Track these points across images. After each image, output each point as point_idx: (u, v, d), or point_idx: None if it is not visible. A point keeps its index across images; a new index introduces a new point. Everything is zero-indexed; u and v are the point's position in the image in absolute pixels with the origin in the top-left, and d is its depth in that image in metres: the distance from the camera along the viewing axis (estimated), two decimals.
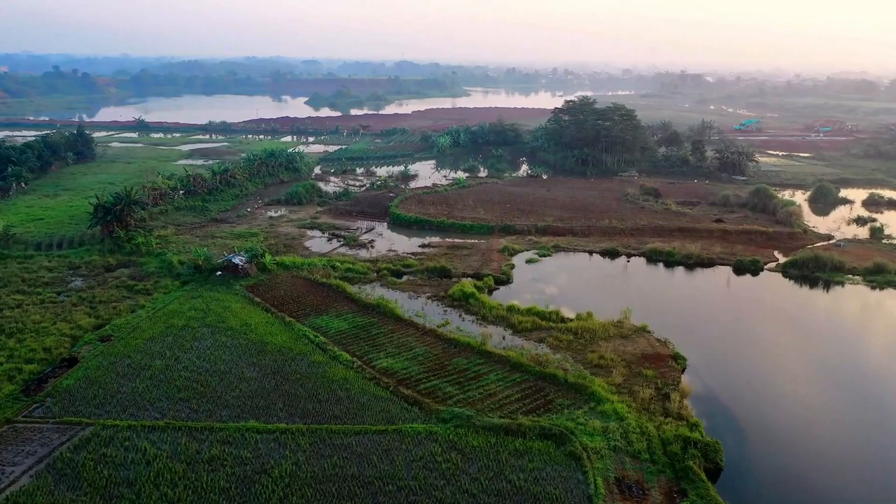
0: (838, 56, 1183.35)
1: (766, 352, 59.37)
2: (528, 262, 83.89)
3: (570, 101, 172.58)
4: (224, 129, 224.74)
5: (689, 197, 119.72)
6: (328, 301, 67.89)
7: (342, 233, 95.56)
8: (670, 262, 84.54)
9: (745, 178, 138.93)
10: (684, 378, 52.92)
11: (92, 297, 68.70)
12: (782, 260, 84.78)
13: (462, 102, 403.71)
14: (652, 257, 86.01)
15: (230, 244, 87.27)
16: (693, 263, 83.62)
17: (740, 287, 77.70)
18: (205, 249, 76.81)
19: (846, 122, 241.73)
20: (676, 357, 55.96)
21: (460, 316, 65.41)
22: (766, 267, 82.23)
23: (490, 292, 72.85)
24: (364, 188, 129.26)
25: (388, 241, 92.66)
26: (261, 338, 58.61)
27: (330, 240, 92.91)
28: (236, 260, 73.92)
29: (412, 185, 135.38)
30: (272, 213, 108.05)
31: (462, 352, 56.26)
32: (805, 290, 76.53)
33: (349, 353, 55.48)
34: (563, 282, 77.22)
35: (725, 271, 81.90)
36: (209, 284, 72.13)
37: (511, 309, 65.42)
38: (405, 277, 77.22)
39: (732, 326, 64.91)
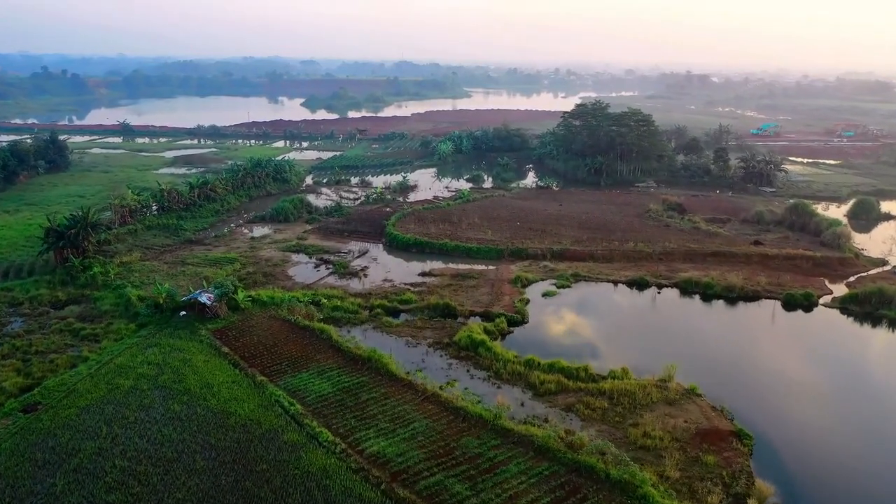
0: (841, 57, 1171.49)
1: (851, 424, 48.11)
2: (545, 295, 72.62)
3: (581, 104, 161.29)
4: (213, 133, 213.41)
5: (716, 213, 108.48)
6: (310, 351, 56.65)
7: (331, 258, 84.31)
8: (708, 294, 73.31)
9: (773, 190, 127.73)
10: (754, 466, 41.70)
11: (28, 345, 57.56)
12: (837, 292, 73.61)
13: (463, 104, 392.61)
14: (686, 289, 74.75)
15: (202, 273, 76.03)
16: (735, 297, 72.35)
17: (795, 328, 66.53)
18: (166, 286, 65.48)
19: (869, 126, 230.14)
20: (740, 435, 44.70)
21: (468, 371, 54.22)
22: (820, 301, 71.00)
23: (503, 336, 61.70)
24: (358, 201, 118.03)
25: (383, 268, 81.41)
26: (223, 406, 47.41)
27: (317, 266, 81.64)
28: (203, 298, 62.65)
29: (411, 196, 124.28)
30: (254, 233, 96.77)
31: (472, 427, 45.01)
32: (872, 332, 65.32)
33: (331, 431, 44.26)
34: (587, 322, 65.95)
35: (772, 307, 70.67)
36: (170, 328, 60.88)
37: (530, 363, 54.15)
38: (402, 317, 65.98)
39: (798, 385, 53.62)
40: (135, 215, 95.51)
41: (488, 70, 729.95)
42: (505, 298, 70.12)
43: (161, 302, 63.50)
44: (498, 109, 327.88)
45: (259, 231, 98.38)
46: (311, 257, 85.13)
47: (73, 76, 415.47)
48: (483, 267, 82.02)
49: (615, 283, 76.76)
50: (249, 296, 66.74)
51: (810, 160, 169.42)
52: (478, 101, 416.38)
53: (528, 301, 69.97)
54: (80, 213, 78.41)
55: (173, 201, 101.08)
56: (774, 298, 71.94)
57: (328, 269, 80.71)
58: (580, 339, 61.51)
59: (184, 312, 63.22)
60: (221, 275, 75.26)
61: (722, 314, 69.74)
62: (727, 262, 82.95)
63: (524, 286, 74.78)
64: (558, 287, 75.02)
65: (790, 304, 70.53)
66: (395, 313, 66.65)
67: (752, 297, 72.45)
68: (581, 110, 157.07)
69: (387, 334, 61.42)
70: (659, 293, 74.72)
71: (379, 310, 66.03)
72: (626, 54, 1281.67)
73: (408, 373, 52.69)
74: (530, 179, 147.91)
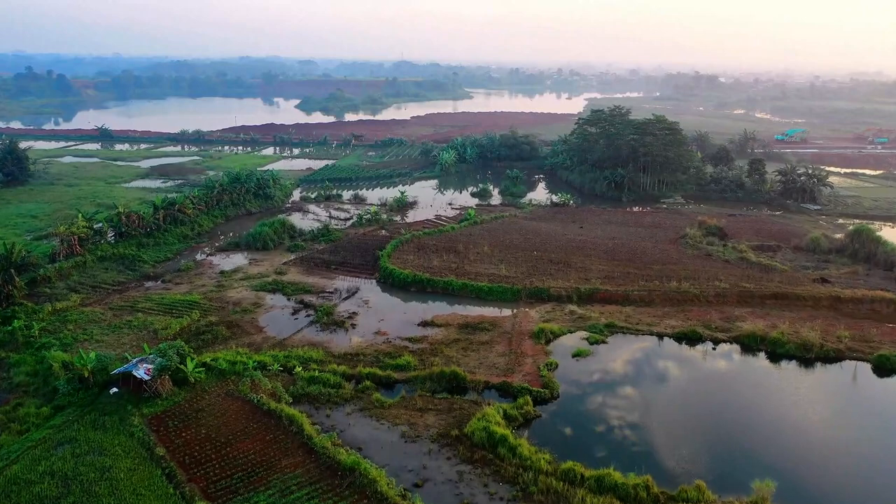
0: (844, 58, 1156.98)
1: None
2: (576, 355, 58.37)
3: (598, 110, 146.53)
4: (198, 139, 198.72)
5: (761, 237, 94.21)
6: (273, 453, 42.39)
7: (313, 300, 70.05)
8: (778, 353, 59.11)
9: (818, 208, 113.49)
10: None
11: None
12: None
13: (464, 105, 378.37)
14: (749, 345, 60.54)
15: (152, 325, 61.86)
16: (812, 358, 58.13)
17: None
18: (92, 354, 51.03)
19: None
20: None
21: (485, 486, 39.94)
22: None
23: (528, 422, 47.47)
24: (350, 222, 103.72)
25: (375, 315, 67.12)
26: None
27: (296, 312, 67.36)
28: (139, 371, 48.43)
29: (410, 215, 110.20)
30: (225, 265, 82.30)
31: None
32: None
33: None
34: (634, 397, 51.58)
35: (858, 370, 56.56)
36: (95, 413, 46.74)
37: (570, 476, 39.89)
38: (398, 390, 51.69)
39: None
40: (85, 244, 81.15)
41: (490, 70, 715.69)
42: (527, 362, 55.92)
43: (86, 375, 49.30)
44: (501, 112, 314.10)
45: (232, 261, 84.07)
46: (289, 299, 70.83)
47: (59, 77, 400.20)
48: (496, 312, 67.90)
49: (660, 336, 62.50)
50: (203, 363, 52.51)
51: (847, 170, 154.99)
52: (479, 103, 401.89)
53: (555, 365, 55.71)
54: (2, 251, 63.99)
55: (133, 226, 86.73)
56: (862, 360, 57.76)
57: (308, 315, 66.48)
58: (629, 427, 47.18)
59: (115, 389, 49.10)
60: (175, 327, 61.15)
61: (802, 384, 55.37)
62: (791, 306, 68.79)
63: (548, 342, 60.59)
64: (591, 342, 60.80)
65: (883, 369, 56.38)
66: (388, 385, 52.47)
67: (834, 357, 58.25)
68: (598, 116, 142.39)
69: (377, 420, 47.11)
70: (714, 349, 60.63)
71: (368, 381, 51.72)
72: (628, 54, 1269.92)
73: (403, 493, 38.44)
74: (541, 192, 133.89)
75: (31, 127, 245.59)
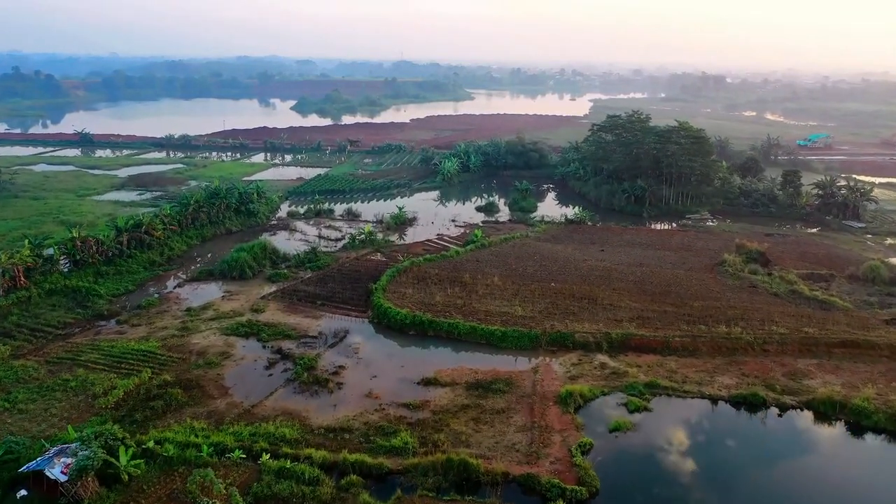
0: (850, 58, 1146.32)
1: None
2: (613, 430, 46.99)
3: (615, 115, 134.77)
4: (184, 144, 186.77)
5: (808, 262, 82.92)
6: None
7: (293, 349, 58.77)
8: (862, 424, 47.92)
9: (863, 226, 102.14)
10: None
11: None
12: None
13: (465, 107, 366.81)
14: (824, 413, 49.30)
15: (91, 388, 50.56)
16: None
17: None
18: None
19: None
20: None
21: None
22: None
23: None
24: (342, 243, 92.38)
25: (366, 370, 55.80)
26: None
27: (270, 366, 56.04)
28: (54, 471, 37.19)
29: (409, 233, 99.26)
30: (194, 300, 70.84)
31: None
32: None
33: None
34: (696, 496, 40.19)
35: None
36: None
37: None
38: (393, 485, 40.32)
39: None
40: (32, 274, 69.90)
41: (490, 70, 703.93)
42: (554, 441, 44.64)
43: None
44: (504, 114, 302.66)
45: (203, 294, 72.77)
46: (265, 346, 59.60)
47: (48, 77, 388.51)
48: (512, 364, 56.83)
49: (713, 399, 51.22)
50: (144, 449, 41.16)
51: (882, 180, 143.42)
52: (481, 105, 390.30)
53: (590, 446, 44.38)
54: None
55: (89, 252, 75.40)
56: None
57: (286, 370, 55.20)
58: None
59: (24, 492, 37.80)
60: (120, 390, 49.80)
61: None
62: (863, 356, 57.63)
63: (577, 408, 49.33)
64: (630, 409, 49.53)
65: None
66: (380, 477, 41.14)
67: None
68: (614, 122, 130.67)
69: None
70: (780, 417, 49.43)
71: (354, 476, 40.35)
72: (629, 54, 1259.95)
73: None
74: (552, 205, 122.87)
75: (14, 131, 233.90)
